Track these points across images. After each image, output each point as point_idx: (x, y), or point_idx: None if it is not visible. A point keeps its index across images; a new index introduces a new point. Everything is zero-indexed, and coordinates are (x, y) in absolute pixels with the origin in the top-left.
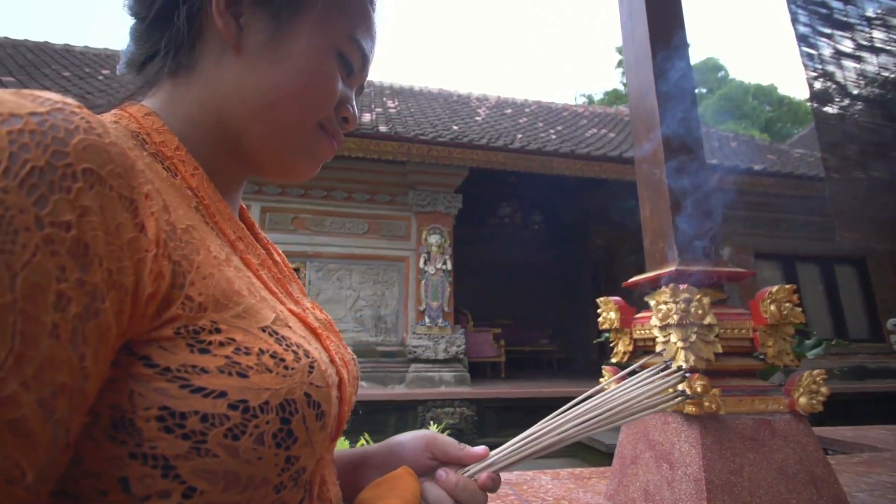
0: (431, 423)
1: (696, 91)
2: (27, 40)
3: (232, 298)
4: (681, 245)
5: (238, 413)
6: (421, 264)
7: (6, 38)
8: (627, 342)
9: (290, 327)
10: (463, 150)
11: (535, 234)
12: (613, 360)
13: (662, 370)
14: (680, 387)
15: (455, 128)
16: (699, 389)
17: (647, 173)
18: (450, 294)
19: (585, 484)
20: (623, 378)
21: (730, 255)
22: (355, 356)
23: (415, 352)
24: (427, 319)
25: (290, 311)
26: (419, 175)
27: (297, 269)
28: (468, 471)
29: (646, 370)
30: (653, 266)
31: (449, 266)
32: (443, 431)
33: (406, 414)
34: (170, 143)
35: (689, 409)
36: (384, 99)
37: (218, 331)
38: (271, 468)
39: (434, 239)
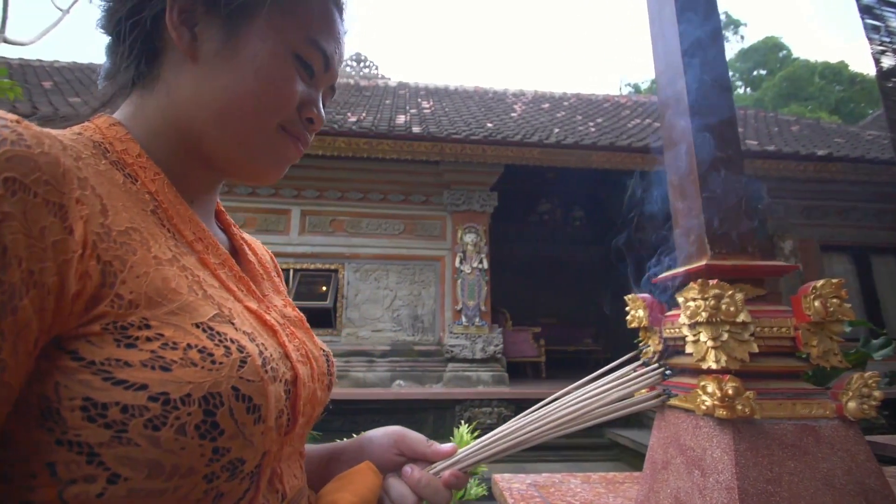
0: (462, 422)
1: (755, 73)
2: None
3: (166, 296)
4: (713, 237)
5: (158, 405)
6: (457, 263)
7: (74, 62)
8: (657, 341)
9: (232, 324)
10: (497, 148)
11: (577, 231)
12: (643, 360)
13: (647, 367)
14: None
15: (489, 125)
16: (730, 392)
17: (675, 159)
18: (486, 293)
19: (617, 489)
20: (603, 374)
21: (792, 248)
22: (330, 352)
23: (452, 351)
24: (464, 319)
25: (247, 307)
26: (453, 174)
27: (335, 271)
28: (435, 468)
29: (626, 367)
30: (684, 260)
31: (485, 265)
32: (473, 431)
33: (444, 413)
34: (131, 151)
35: (720, 412)
36: (419, 100)
37: (147, 327)
38: (197, 458)
39: (470, 238)
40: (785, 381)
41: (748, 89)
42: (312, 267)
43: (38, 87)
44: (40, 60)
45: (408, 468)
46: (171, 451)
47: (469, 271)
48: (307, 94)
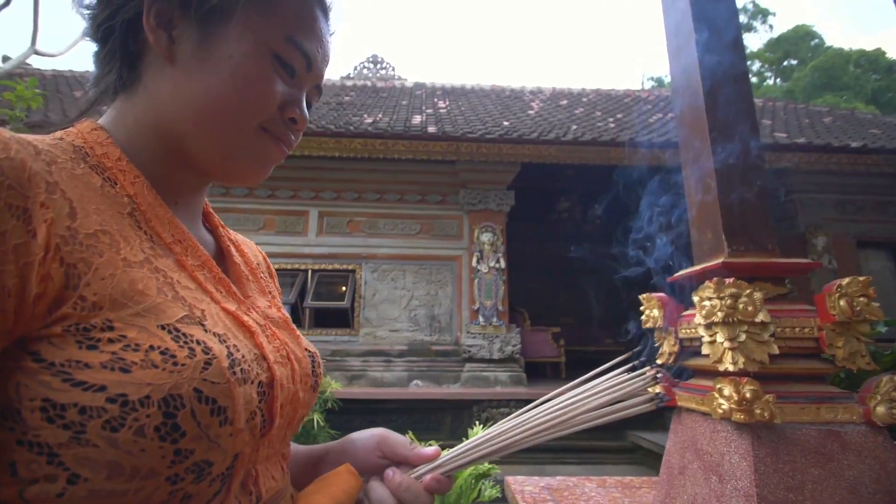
0: (477, 423)
1: (786, 63)
2: None
3: (132, 298)
4: (730, 234)
5: (117, 406)
6: (474, 263)
7: None
8: (672, 342)
9: (202, 325)
10: (513, 146)
11: (597, 229)
12: (659, 362)
13: (636, 370)
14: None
15: (506, 123)
16: (748, 395)
17: (690, 151)
18: (504, 293)
19: (634, 494)
20: (595, 377)
21: (825, 244)
22: (317, 354)
23: (469, 351)
24: (481, 319)
25: (224, 309)
26: (469, 173)
27: (352, 271)
28: (417, 471)
29: (617, 370)
30: (700, 258)
31: (502, 264)
32: None
33: (461, 413)
34: (111, 155)
35: (738, 416)
36: (435, 100)
37: (111, 328)
38: (158, 460)
39: (486, 237)
40: (808, 384)
41: (778, 80)
42: (330, 267)
43: (70, 97)
44: (72, 71)
45: (389, 471)
46: (130, 452)
47: (486, 271)
48: (289, 95)
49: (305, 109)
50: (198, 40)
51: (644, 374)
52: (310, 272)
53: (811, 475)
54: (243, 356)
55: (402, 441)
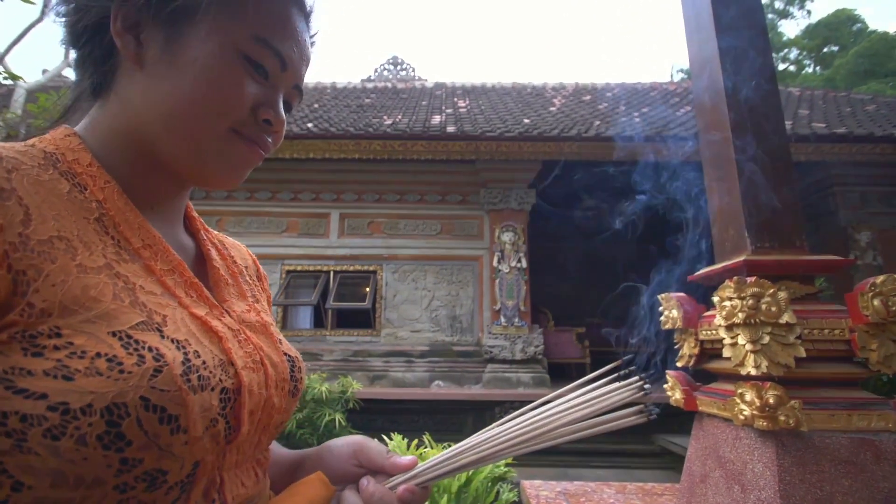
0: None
1: (826, 50)
2: None
3: (84, 304)
4: (754, 230)
5: (58, 414)
6: (495, 263)
7: None
8: (693, 344)
9: (160, 331)
10: (533, 144)
11: (625, 226)
12: (678, 365)
13: (624, 379)
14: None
15: (527, 121)
16: (771, 400)
17: (711, 145)
18: (526, 293)
19: (654, 501)
20: (579, 386)
21: (869, 239)
22: (298, 358)
23: (491, 352)
24: (503, 319)
25: (192, 313)
26: (489, 172)
27: (373, 272)
28: (393, 481)
29: (605, 379)
30: (722, 256)
31: (524, 264)
32: None
33: (483, 414)
34: (82, 161)
35: (760, 423)
36: (455, 99)
37: (58, 335)
38: (103, 469)
39: (507, 237)
40: (838, 389)
41: (817, 68)
42: (352, 269)
43: None
44: None
45: (364, 480)
46: (73, 461)
47: (507, 270)
48: (262, 96)
49: (281, 111)
50: (163, 43)
51: (629, 385)
52: (332, 273)
53: (841, 486)
54: (204, 362)
55: (378, 450)
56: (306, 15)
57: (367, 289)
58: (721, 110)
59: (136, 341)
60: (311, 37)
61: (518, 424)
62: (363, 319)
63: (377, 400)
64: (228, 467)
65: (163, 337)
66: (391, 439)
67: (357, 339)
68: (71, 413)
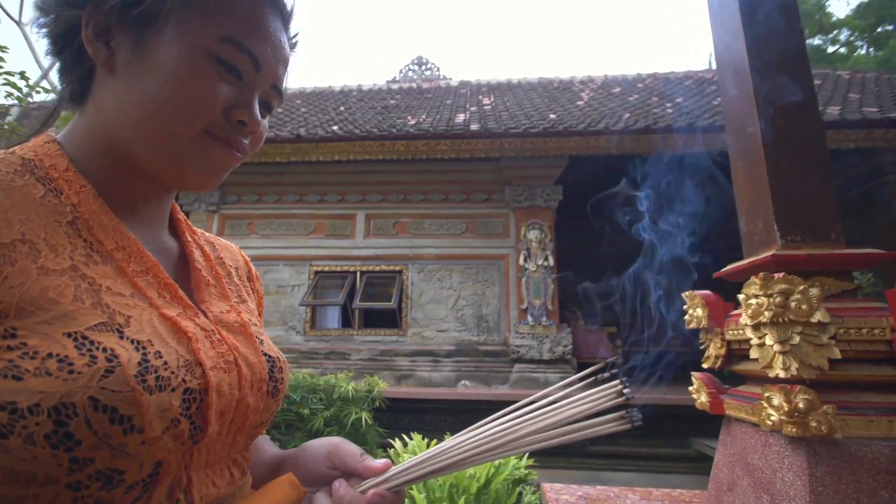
0: None
1: (880, 30)
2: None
3: (41, 305)
4: (784, 223)
5: (6, 413)
6: (521, 261)
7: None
8: (719, 344)
9: (120, 331)
10: (559, 139)
11: (658, 222)
12: (704, 366)
13: (609, 381)
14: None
15: (552, 116)
16: (801, 405)
17: (738, 132)
18: (553, 291)
19: None
20: (563, 388)
21: None
22: (279, 358)
23: (518, 351)
24: (530, 318)
25: (163, 314)
26: (514, 170)
27: (399, 272)
28: (364, 485)
29: (587, 382)
30: (750, 251)
31: (551, 262)
32: None
33: None
34: (59, 166)
35: (789, 429)
36: (480, 97)
37: (13, 336)
38: (53, 468)
39: (533, 235)
40: (878, 393)
41: (870, 49)
42: (377, 269)
43: None
44: None
45: (336, 483)
46: (22, 459)
47: (534, 269)
48: (235, 97)
49: (256, 112)
50: (131, 48)
51: (608, 389)
52: (358, 274)
53: (881, 498)
54: (165, 363)
55: (352, 452)
56: (284, 16)
57: (394, 289)
58: (748, 96)
59: (91, 342)
60: (292, 38)
61: (492, 429)
62: (390, 319)
63: (403, 399)
64: (197, 467)
65: (122, 337)
66: (411, 439)
67: (384, 338)
68: (19, 412)
